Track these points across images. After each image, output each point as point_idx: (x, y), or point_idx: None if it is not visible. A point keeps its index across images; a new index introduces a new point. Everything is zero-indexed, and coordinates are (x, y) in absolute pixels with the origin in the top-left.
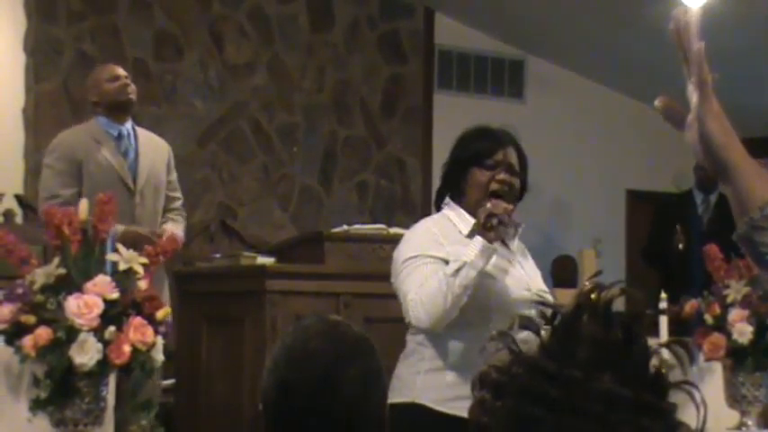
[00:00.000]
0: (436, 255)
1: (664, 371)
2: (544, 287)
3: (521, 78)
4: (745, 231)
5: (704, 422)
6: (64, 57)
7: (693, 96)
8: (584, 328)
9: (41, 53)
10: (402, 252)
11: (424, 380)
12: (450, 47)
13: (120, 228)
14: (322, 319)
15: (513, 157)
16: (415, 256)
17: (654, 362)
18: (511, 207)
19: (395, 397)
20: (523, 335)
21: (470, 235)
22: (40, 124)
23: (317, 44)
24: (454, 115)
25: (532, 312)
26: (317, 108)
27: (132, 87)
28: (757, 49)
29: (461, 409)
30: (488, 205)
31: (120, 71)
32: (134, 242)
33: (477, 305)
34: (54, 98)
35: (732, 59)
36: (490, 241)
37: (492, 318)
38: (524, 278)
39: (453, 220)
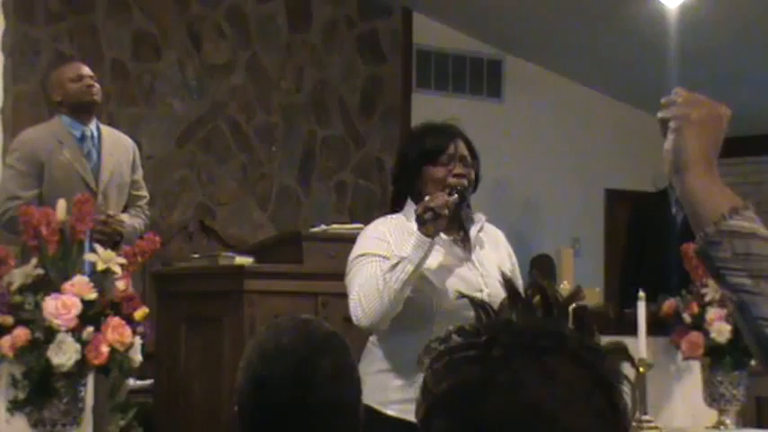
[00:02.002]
0: (382, 253)
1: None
2: (497, 286)
3: (499, 78)
4: (701, 246)
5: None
6: (42, 57)
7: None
8: (504, 314)
9: (19, 53)
10: (351, 254)
11: (373, 381)
12: (429, 46)
13: None
14: (293, 317)
15: (464, 149)
16: (362, 255)
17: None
18: (452, 199)
19: None
20: None
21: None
22: (18, 125)
23: (296, 44)
24: (433, 115)
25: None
26: (296, 108)
27: (97, 88)
28: (735, 49)
29: (406, 412)
30: (426, 198)
31: (85, 70)
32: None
33: (419, 309)
34: (32, 98)
35: (710, 59)
36: (427, 235)
37: (435, 321)
38: (476, 279)
39: (410, 220)
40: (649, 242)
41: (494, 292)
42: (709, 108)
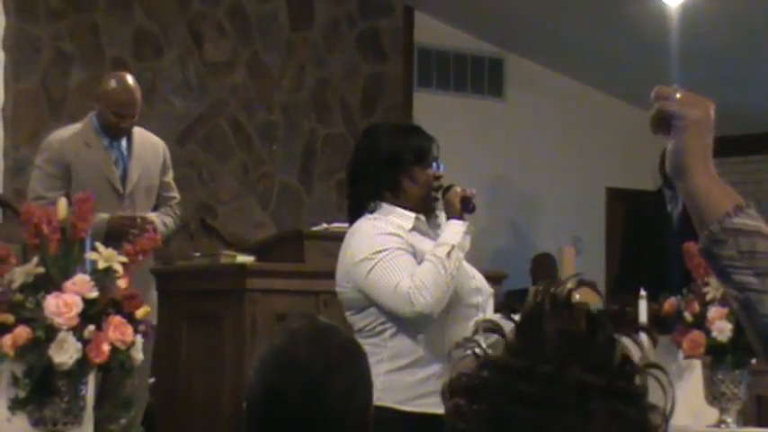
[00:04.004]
0: (403, 246)
1: (629, 356)
2: (479, 274)
3: (500, 77)
4: (705, 245)
5: (673, 403)
6: (43, 55)
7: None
8: (547, 323)
9: (20, 51)
10: (361, 251)
11: (385, 381)
12: (430, 45)
13: (105, 216)
14: (311, 323)
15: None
16: (382, 251)
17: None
18: (474, 191)
19: None
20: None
21: (419, 225)
22: (18, 123)
23: (297, 42)
24: (434, 114)
25: (480, 300)
26: (297, 106)
27: (131, 124)
28: (737, 47)
29: (427, 405)
30: (458, 190)
31: (130, 109)
32: (121, 226)
33: None
34: (33, 97)
35: (712, 58)
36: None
37: (449, 311)
38: (468, 266)
39: (389, 217)
40: (650, 241)
41: (477, 276)
42: (704, 106)
